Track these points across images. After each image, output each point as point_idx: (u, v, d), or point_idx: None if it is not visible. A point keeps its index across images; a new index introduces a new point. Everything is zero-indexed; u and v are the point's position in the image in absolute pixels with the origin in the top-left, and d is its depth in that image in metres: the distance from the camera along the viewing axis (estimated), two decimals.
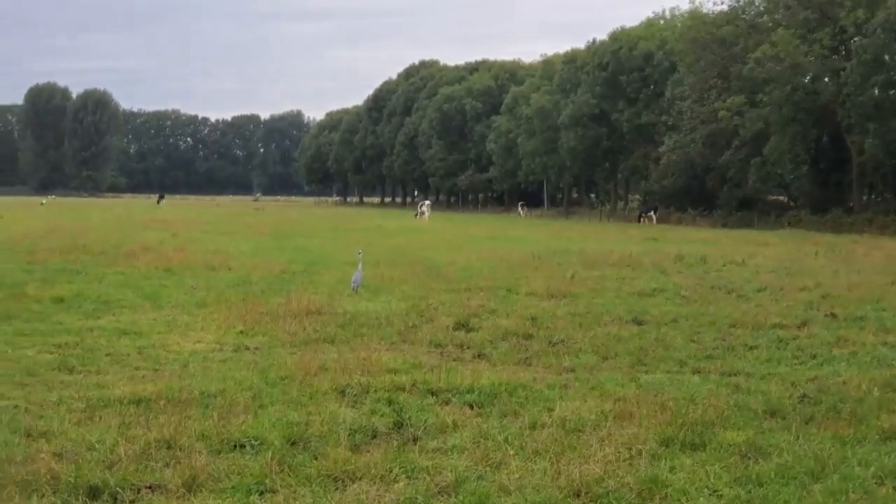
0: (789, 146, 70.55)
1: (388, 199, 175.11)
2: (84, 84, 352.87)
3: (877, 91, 65.21)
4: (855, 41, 65.43)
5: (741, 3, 77.68)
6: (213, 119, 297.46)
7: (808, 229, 65.15)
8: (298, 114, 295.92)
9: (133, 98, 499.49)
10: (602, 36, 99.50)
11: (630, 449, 8.98)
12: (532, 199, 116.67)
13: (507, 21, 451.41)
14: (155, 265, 28.03)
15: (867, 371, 13.13)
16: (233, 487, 7.88)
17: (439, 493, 7.86)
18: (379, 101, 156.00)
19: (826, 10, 70.07)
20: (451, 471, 8.28)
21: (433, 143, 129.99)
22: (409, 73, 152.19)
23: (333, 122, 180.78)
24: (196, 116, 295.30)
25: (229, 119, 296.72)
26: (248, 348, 14.83)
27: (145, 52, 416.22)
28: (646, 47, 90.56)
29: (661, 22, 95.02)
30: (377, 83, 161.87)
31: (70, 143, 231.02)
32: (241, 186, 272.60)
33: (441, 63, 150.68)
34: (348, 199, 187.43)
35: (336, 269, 28.41)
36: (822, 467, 8.58)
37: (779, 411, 10.77)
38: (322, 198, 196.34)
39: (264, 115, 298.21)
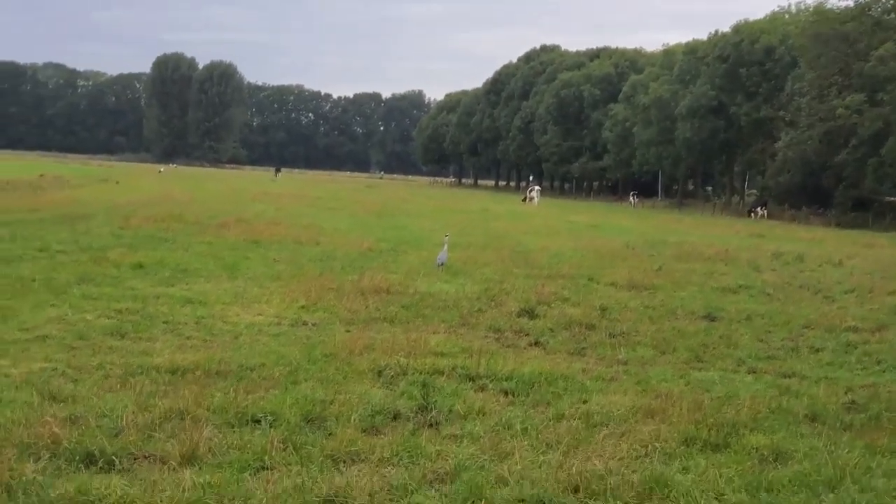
0: None
1: (502, 183, 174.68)
2: (210, 56, 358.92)
3: None
4: None
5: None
6: (335, 96, 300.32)
7: None
8: (419, 93, 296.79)
9: (257, 72, 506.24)
10: (725, 28, 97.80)
11: (647, 446, 8.83)
12: (646, 190, 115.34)
13: (630, 9, 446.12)
14: (244, 237, 28.43)
15: None
16: (230, 463, 7.89)
17: (434, 480, 7.79)
18: (498, 85, 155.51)
19: None
20: (454, 458, 8.21)
21: (549, 128, 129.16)
22: (530, 57, 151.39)
23: (452, 103, 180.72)
24: (318, 92, 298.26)
25: (351, 96, 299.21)
26: (305, 323, 14.92)
27: (271, 26, 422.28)
28: (768, 41, 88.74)
29: (786, 16, 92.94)
30: (498, 67, 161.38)
31: (194, 114, 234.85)
32: (359, 163, 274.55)
33: (562, 48, 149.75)
34: (463, 181, 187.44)
35: (425, 250, 28.37)
36: (840, 477, 8.32)
37: (820, 416, 10.50)
38: (438, 178, 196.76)
39: (386, 93, 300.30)
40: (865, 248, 42.53)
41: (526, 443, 8.80)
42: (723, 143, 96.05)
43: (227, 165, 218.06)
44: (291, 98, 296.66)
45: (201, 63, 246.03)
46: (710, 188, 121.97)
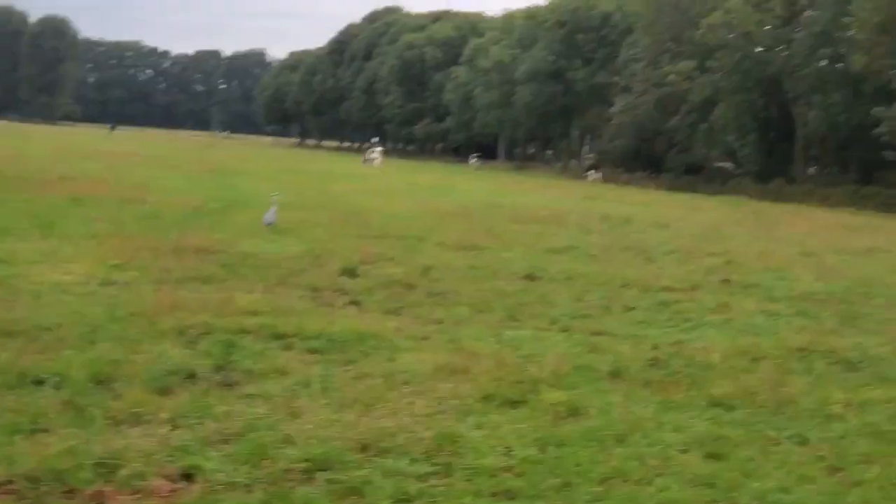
0: (736, 114, 70.72)
1: (346, 144, 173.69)
2: (44, 9, 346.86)
3: (823, 64, 65.16)
4: (806, 13, 65.30)
5: None
6: (174, 52, 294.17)
7: (750, 197, 65.15)
8: (262, 52, 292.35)
9: (94, 27, 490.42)
10: None
11: (443, 403, 8.84)
12: (487, 152, 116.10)
13: None
14: (66, 195, 27.58)
15: (732, 338, 13.07)
16: (2, 426, 7.59)
17: (218, 441, 7.58)
18: (341, 45, 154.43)
19: None
20: (243, 418, 8.06)
21: (392, 89, 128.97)
22: (374, 17, 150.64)
23: (295, 62, 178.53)
24: (157, 49, 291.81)
25: (191, 53, 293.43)
26: (115, 283, 14.43)
27: None
28: (604, 7, 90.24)
29: None
30: (343, 26, 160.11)
31: (26, 69, 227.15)
32: (200, 122, 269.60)
33: (405, 10, 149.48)
34: (307, 142, 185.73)
35: (257, 209, 27.55)
36: (631, 431, 8.47)
37: (622, 373, 10.67)
38: (281, 139, 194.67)
39: (227, 51, 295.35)
40: (692, 212, 43.65)
41: (323, 402, 8.69)
42: (561, 108, 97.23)
43: (62, 122, 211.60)
44: (129, 54, 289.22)
45: (34, 17, 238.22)
46: (550, 152, 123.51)
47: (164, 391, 8.83)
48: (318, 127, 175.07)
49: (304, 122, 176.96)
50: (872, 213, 55.48)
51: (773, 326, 14.23)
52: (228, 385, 9.17)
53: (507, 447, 7.80)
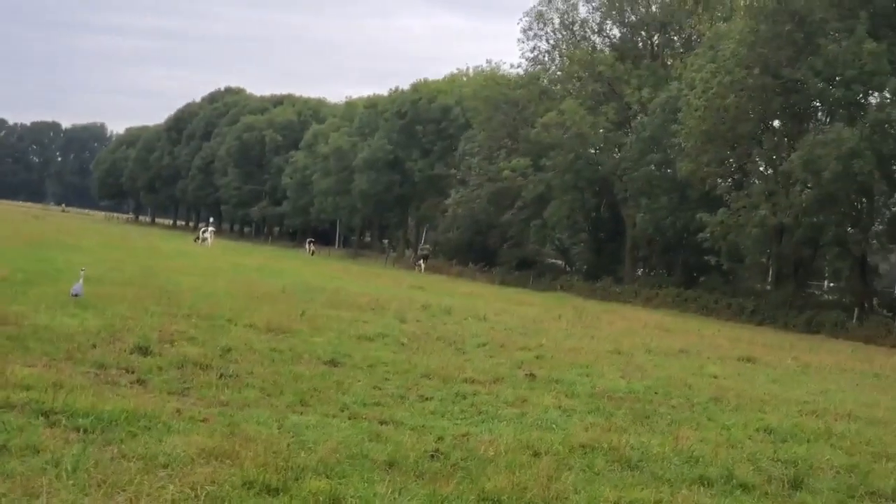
0: (568, 212, 72.28)
1: (181, 223, 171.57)
2: None
3: (652, 168, 67.16)
4: (637, 119, 67.33)
5: (537, 69, 79.25)
6: (11, 122, 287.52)
7: (578, 294, 66.53)
8: (102, 126, 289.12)
9: None
10: (405, 85, 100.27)
11: (195, 489, 8.45)
12: (324, 238, 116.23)
13: (317, 62, 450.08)
14: None
15: (520, 433, 12.95)
16: None
17: None
18: (180, 123, 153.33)
19: (614, 86, 72.24)
20: None
21: (229, 170, 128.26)
22: (214, 97, 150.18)
23: (132, 138, 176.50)
24: None
25: (28, 124, 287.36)
26: None
27: None
28: (444, 101, 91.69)
29: (464, 78, 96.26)
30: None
31: None
32: (34, 194, 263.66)
33: (247, 92, 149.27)
34: (141, 219, 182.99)
35: (66, 282, 26.89)
36: None
37: (398, 463, 10.44)
38: (116, 214, 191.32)
39: (66, 123, 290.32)
40: (516, 305, 44.04)
41: (69, 482, 8.25)
42: (398, 197, 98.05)
43: None
44: None
45: None
46: (386, 240, 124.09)
47: None
48: (152, 203, 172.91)
49: (139, 198, 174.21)
50: (692, 315, 57.00)
51: (564, 422, 14.18)
52: None
53: None
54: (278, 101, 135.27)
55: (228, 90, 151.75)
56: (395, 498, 9.07)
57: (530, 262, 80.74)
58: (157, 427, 10.85)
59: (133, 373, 14.40)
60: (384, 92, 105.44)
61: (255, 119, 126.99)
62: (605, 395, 17.52)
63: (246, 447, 10.07)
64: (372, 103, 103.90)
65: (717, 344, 34.35)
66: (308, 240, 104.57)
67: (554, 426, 13.82)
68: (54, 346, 15.69)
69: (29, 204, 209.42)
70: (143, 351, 16.27)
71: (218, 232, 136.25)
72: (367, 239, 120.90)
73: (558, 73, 79.24)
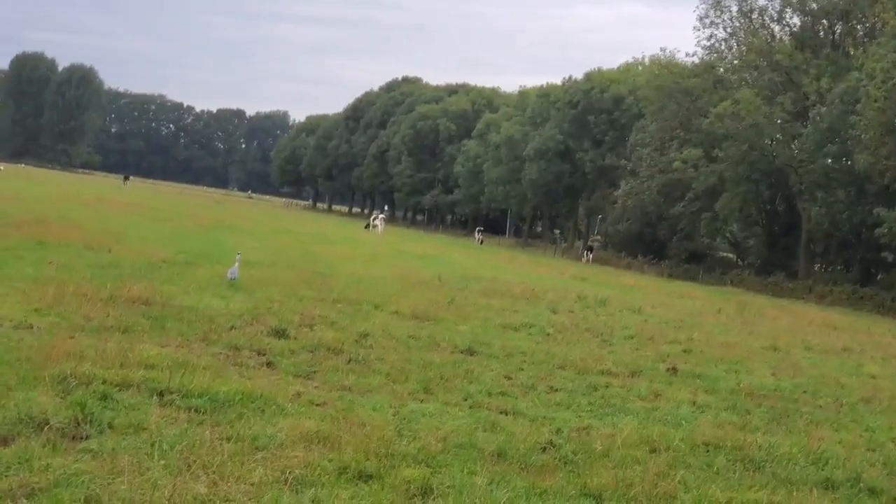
0: (741, 204, 70.59)
1: (357, 210, 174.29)
2: (74, 58, 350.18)
3: (829, 161, 65.00)
4: (815, 109, 65.22)
5: (712, 57, 77.52)
6: (198, 109, 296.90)
7: (749, 289, 64.92)
8: (285, 114, 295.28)
9: (120, 78, 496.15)
10: (579, 75, 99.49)
11: (286, 473, 8.42)
12: (495, 227, 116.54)
13: (499, 48, 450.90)
14: (36, 238, 27.37)
15: (643, 427, 12.60)
16: None
17: (21, 495, 7.20)
18: (357, 112, 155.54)
19: (792, 76, 70.07)
20: (58, 472, 7.68)
21: (403, 158, 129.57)
22: (391, 87, 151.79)
23: (312, 126, 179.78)
24: (181, 104, 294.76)
25: (214, 111, 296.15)
26: (30, 326, 14.15)
27: (137, 33, 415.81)
28: (617, 90, 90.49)
29: (639, 68, 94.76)
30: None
31: (49, 115, 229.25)
32: (218, 179, 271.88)
33: (423, 81, 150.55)
34: (318, 205, 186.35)
35: (227, 265, 27.38)
36: None
37: (506, 455, 10.26)
38: (296, 201, 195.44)
39: (250, 111, 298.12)
40: (677, 299, 43.23)
41: (160, 462, 8.31)
42: (567, 187, 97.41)
43: (80, 170, 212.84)
44: (153, 107, 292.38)
45: (62, 65, 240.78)
46: (558, 231, 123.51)
47: (5, 439, 8.48)
48: (329, 190, 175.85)
49: (317, 185, 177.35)
50: (867, 314, 55.02)
51: (694, 419, 13.75)
52: (77, 438, 8.79)
53: None
54: (453, 91, 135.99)
55: (405, 79, 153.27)
56: (491, 490, 8.88)
57: (700, 256, 79.11)
58: (270, 409, 10.91)
59: (264, 355, 14.56)
60: (558, 81, 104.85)
61: (430, 108, 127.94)
62: (747, 392, 16.95)
63: (351, 433, 10.04)
64: (544, 93, 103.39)
65: (885, 343, 33.01)
66: (477, 228, 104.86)
67: (683, 422, 13.42)
68: (192, 327, 15.99)
69: (213, 189, 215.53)
70: (280, 334, 16.44)
71: (390, 219, 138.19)
72: (539, 229, 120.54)
73: (734, 61, 77.26)
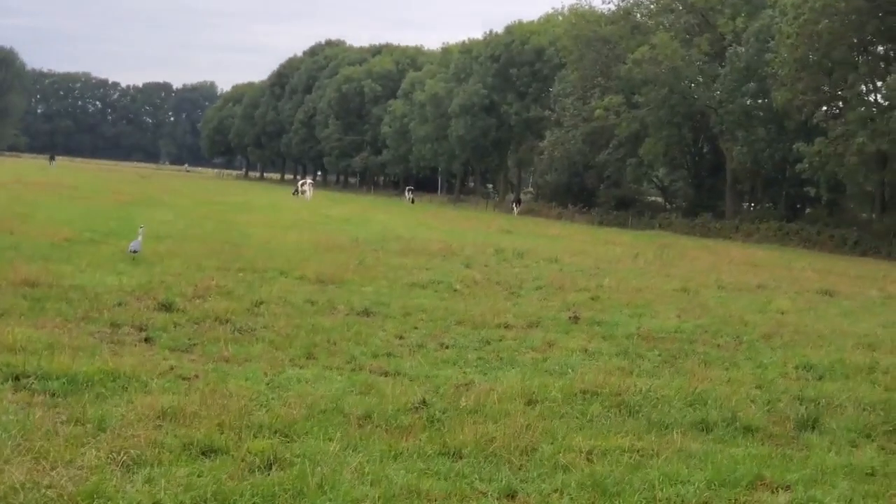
0: (664, 149, 70.91)
1: (289, 176, 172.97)
2: None
3: (748, 100, 65.28)
4: (731, 49, 65.40)
5: (628, 3, 77.44)
6: (123, 84, 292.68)
7: (677, 232, 65.34)
8: (212, 85, 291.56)
9: (43, 59, 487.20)
10: (499, 28, 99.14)
11: (123, 453, 8.10)
12: (428, 186, 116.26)
13: (421, 7, 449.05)
14: None
15: (525, 379, 12.39)
16: None
17: None
18: (282, 78, 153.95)
19: (707, 17, 70.34)
20: None
21: (330, 122, 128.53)
22: (315, 51, 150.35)
23: (238, 95, 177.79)
24: (106, 80, 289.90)
25: (140, 85, 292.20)
26: None
27: (57, 12, 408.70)
28: (538, 42, 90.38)
29: (559, 18, 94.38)
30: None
31: None
32: (149, 154, 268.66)
33: (347, 44, 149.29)
34: (251, 174, 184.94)
35: (130, 241, 27.01)
36: (322, 485, 7.80)
37: (373, 417, 10.00)
38: (227, 171, 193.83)
39: (177, 83, 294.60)
40: (600, 245, 43.32)
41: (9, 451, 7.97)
42: (495, 141, 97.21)
43: (6, 153, 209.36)
44: (78, 86, 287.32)
45: None
46: (490, 185, 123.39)
47: None
48: (260, 159, 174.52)
49: (247, 154, 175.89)
50: (793, 249, 55.57)
51: (582, 367, 13.57)
52: None
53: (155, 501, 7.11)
54: (377, 51, 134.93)
55: (328, 42, 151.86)
56: (345, 455, 8.63)
57: (629, 202, 79.43)
58: (132, 388, 10.56)
59: (144, 330, 14.19)
60: (480, 37, 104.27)
61: (354, 70, 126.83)
62: (645, 336, 16.85)
63: (209, 407, 9.72)
64: (467, 48, 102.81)
65: (802, 277, 33.27)
66: (407, 188, 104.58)
67: (569, 371, 13.25)
68: (74, 306, 15.54)
69: (143, 165, 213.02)
70: (167, 307, 16.08)
71: (323, 184, 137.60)
72: (471, 185, 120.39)
73: (651, 6, 77.22)
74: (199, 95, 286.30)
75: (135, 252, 23.62)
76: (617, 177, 77.88)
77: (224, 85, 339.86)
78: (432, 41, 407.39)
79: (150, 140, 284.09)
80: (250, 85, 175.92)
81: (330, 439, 9.10)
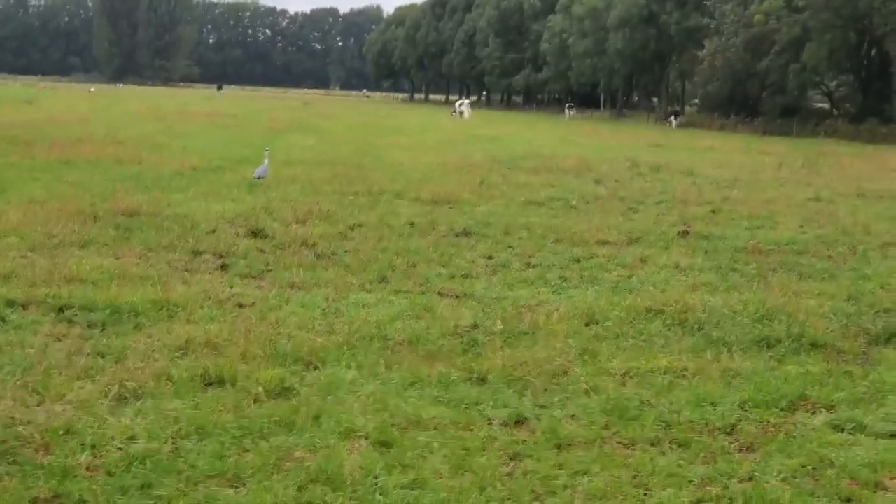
0: (828, 53, 67.75)
1: (453, 98, 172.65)
2: None
3: None
4: None
5: None
6: (291, 11, 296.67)
7: (843, 139, 62.68)
8: (378, 8, 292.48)
9: None
10: None
11: (122, 387, 7.86)
12: (591, 102, 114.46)
13: None
14: (58, 157, 27.22)
15: (599, 298, 11.85)
16: None
17: None
18: None
19: None
20: None
21: (490, 41, 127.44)
22: None
23: (400, 17, 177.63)
24: (275, 8, 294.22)
25: (308, 12, 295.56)
26: None
27: None
28: None
29: None
30: None
31: (144, 32, 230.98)
32: (319, 80, 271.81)
33: None
34: (416, 97, 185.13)
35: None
36: (323, 413, 7.47)
37: (414, 343, 9.62)
38: (395, 94, 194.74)
39: (344, 8, 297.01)
40: (751, 155, 41.79)
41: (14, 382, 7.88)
42: (655, 53, 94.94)
43: (180, 84, 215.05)
44: (247, 14, 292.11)
45: None
46: (656, 99, 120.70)
47: None
48: (423, 81, 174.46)
49: (411, 76, 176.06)
50: None
51: (663, 284, 12.92)
52: None
53: (129, 439, 6.85)
54: None
55: None
56: (360, 384, 8.27)
57: (794, 110, 76.28)
58: (178, 318, 10.36)
59: (223, 258, 14.05)
60: None
61: None
62: (753, 249, 16.00)
63: (248, 335, 9.45)
64: None
65: None
66: (567, 104, 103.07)
67: (651, 287, 12.63)
68: (163, 235, 15.46)
69: (313, 91, 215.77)
70: (256, 234, 15.92)
71: (486, 104, 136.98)
72: (635, 99, 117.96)
73: None
74: (366, 19, 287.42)
75: (259, 178, 23.71)
76: (780, 84, 74.88)
77: (390, 8, 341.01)
78: None
79: (320, 66, 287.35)
80: (412, 6, 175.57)
81: (352, 367, 8.76)
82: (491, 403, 7.93)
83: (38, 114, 55.05)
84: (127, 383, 7.90)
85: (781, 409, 7.97)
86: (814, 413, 7.95)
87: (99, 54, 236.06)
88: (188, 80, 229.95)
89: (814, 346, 9.84)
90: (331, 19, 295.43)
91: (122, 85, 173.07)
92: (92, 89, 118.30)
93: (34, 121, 46.39)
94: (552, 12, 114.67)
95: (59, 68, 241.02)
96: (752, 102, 79.02)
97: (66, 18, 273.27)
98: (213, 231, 16.20)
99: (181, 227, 16.27)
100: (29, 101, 72.67)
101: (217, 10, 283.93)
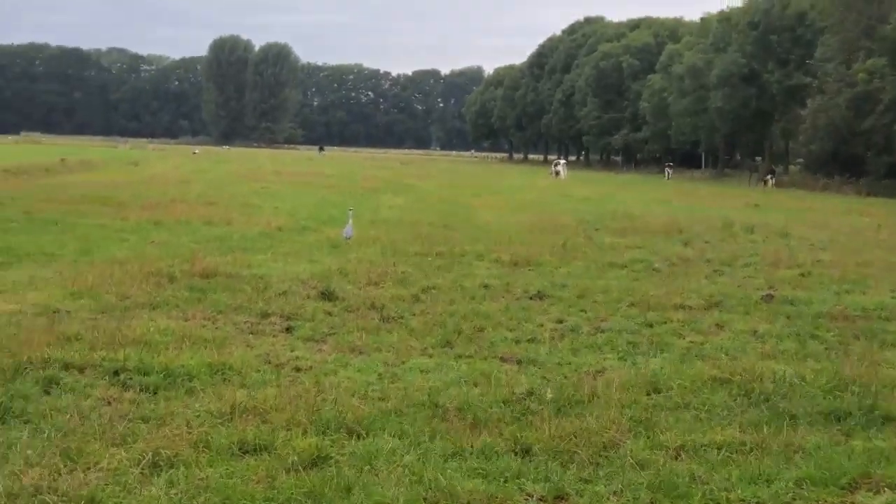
0: None
1: (552, 157, 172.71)
2: (269, 38, 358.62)
3: None
4: None
5: None
6: (394, 74, 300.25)
7: None
8: (478, 69, 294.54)
9: (316, 52, 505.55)
10: None
11: (157, 456, 7.73)
12: (690, 161, 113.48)
13: None
14: (149, 218, 27.60)
15: (666, 366, 11.45)
16: None
17: None
18: (541, 58, 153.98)
19: None
20: None
21: (588, 100, 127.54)
22: (573, 29, 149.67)
23: (499, 78, 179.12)
24: (378, 70, 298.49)
25: (410, 74, 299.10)
26: (56, 311, 13.70)
27: (327, 7, 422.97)
28: (799, 5, 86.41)
29: None
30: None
31: (250, 95, 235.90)
32: (419, 140, 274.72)
33: (605, 20, 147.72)
34: (515, 157, 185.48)
35: (341, 228, 26.91)
36: (348, 487, 7.23)
37: (468, 410, 9.31)
38: (491, 155, 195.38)
39: (445, 69, 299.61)
40: (849, 216, 40.78)
41: (29, 451, 7.72)
42: (756, 112, 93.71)
43: (284, 146, 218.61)
44: (350, 77, 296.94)
45: (257, 45, 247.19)
46: (759, 158, 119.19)
47: None
48: (522, 141, 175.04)
49: (509, 136, 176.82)
50: None
51: (735, 352, 12.46)
52: None
53: None
54: (635, 26, 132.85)
55: (587, 20, 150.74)
56: (400, 454, 8.02)
57: None
58: (231, 383, 10.22)
59: (290, 320, 13.94)
60: (738, 3, 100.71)
61: (612, 46, 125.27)
62: (838, 315, 15.39)
63: (298, 402, 9.26)
64: (725, 17, 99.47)
65: None
66: (666, 164, 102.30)
67: (723, 355, 12.19)
68: (234, 297, 15.43)
69: (413, 152, 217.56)
70: (327, 296, 15.79)
71: (584, 164, 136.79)
72: (738, 158, 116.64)
73: None
74: (467, 80, 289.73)
75: (348, 238, 23.74)
76: (885, 144, 73.31)
77: (490, 69, 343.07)
78: (693, 12, 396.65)
79: (421, 126, 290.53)
80: (510, 67, 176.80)
81: (397, 435, 8.52)
82: (532, 476, 7.63)
83: (139, 174, 56.24)
84: (162, 451, 7.75)
85: (841, 488, 7.54)
86: (876, 492, 7.50)
87: (207, 117, 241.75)
88: (292, 141, 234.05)
89: (886, 419, 9.33)
90: (432, 81, 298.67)
91: (227, 147, 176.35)
92: (196, 151, 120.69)
93: (133, 181, 47.43)
94: (651, 71, 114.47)
95: (169, 131, 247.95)
96: (856, 162, 77.42)
97: (177, 82, 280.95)
98: (284, 293, 16.09)
99: (253, 289, 16.21)
100: (135, 163, 74.56)
101: (322, 73, 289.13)
